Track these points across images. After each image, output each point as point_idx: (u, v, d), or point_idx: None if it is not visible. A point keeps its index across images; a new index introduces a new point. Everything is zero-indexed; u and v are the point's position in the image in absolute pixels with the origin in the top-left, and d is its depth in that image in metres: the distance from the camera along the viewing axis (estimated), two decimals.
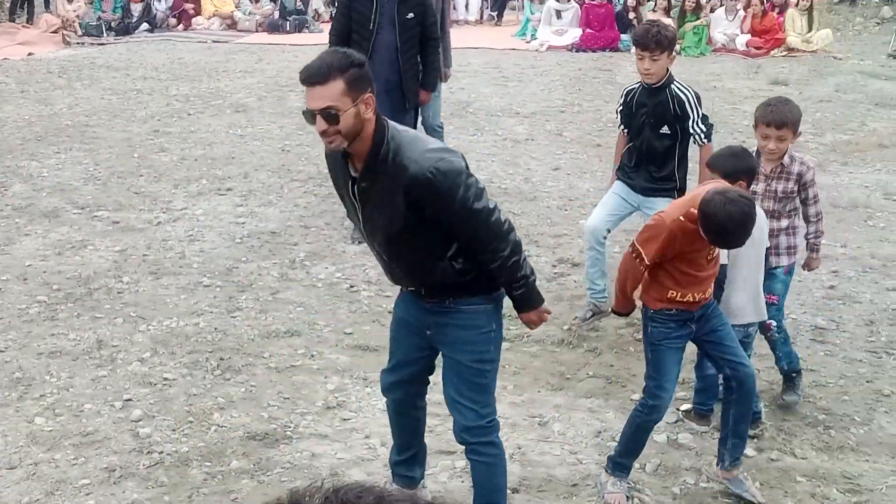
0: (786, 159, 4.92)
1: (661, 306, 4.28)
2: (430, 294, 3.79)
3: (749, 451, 4.69)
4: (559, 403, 5.20)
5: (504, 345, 5.67)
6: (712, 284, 4.34)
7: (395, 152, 3.51)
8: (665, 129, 5.69)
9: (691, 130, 5.67)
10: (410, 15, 7.42)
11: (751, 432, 4.69)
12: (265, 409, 5.12)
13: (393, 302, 6.11)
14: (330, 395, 5.28)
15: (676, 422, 5.02)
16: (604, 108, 12.29)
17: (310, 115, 3.49)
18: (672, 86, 5.66)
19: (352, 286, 6.74)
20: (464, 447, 3.95)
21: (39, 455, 4.67)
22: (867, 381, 5.42)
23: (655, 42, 5.51)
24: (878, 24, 19.26)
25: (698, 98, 5.71)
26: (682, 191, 5.79)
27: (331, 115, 3.43)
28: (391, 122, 3.63)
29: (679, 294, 4.22)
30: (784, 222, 4.98)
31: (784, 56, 16.31)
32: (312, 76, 3.45)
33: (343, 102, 3.43)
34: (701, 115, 5.68)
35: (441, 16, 8.48)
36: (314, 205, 8.43)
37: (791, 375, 5.14)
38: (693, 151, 5.82)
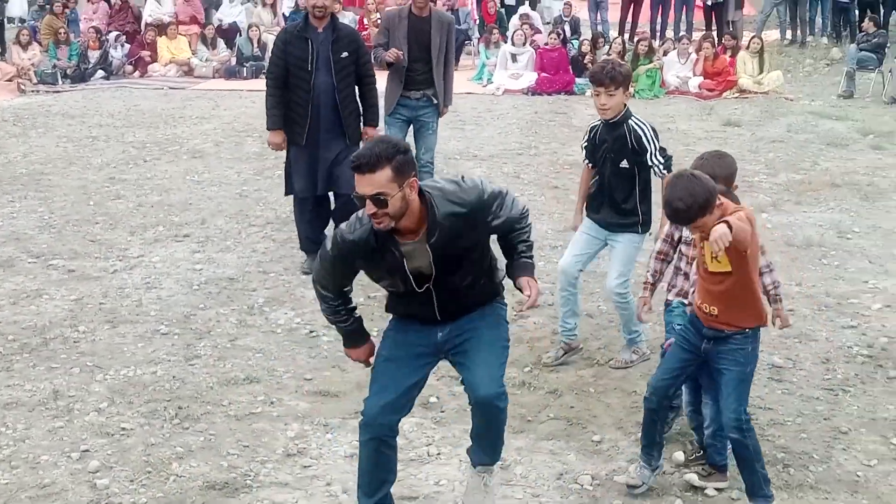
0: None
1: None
2: (467, 310, 4.28)
3: (709, 490, 4.72)
4: (520, 446, 5.19)
5: (462, 387, 5.70)
6: (716, 308, 4.38)
7: (440, 206, 3.95)
8: (625, 164, 5.88)
9: (650, 163, 5.87)
10: (344, 54, 7.51)
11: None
12: (224, 457, 5.07)
13: None
14: (290, 442, 5.24)
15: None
16: (560, 151, 12.40)
17: (360, 200, 3.85)
18: (630, 121, 5.87)
19: (312, 331, 6.71)
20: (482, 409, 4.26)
21: None
22: (824, 419, 5.46)
23: (610, 78, 5.73)
24: (828, 65, 19.60)
25: (655, 131, 5.91)
26: (645, 225, 5.99)
27: (380, 201, 3.80)
28: (424, 185, 4.03)
29: (692, 292, 4.66)
30: None
31: (736, 97, 16.54)
32: (363, 165, 3.80)
33: (391, 188, 3.80)
34: (658, 148, 5.87)
35: (446, 49, 8.75)
36: (272, 250, 8.41)
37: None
38: (656, 184, 5.88)
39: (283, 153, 7.84)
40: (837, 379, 5.96)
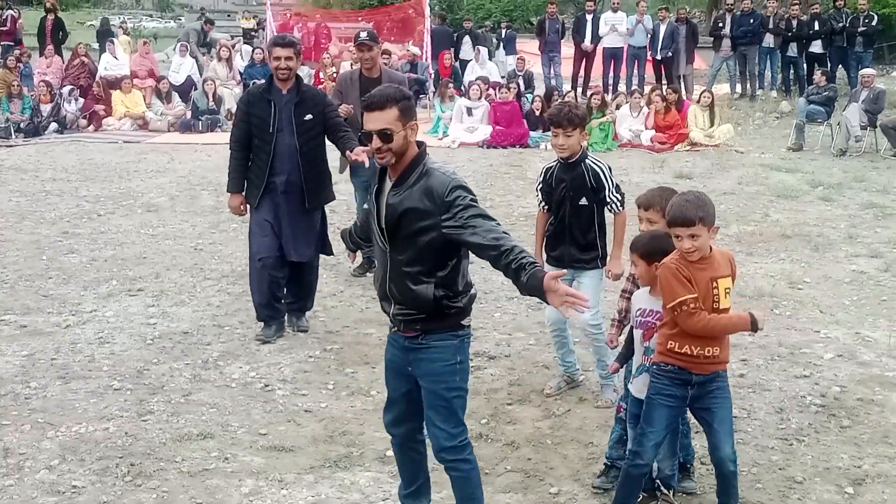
0: None
1: (661, 359, 4.61)
2: (407, 325, 4.40)
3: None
4: None
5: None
6: (725, 347, 4.59)
7: (425, 175, 4.28)
8: (584, 201, 6.15)
9: (608, 200, 6.15)
10: (308, 116, 7.38)
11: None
12: None
13: (310, 400, 6.09)
14: (244, 498, 5.18)
15: None
16: (515, 203, 12.48)
17: (367, 136, 4.29)
18: (587, 160, 6.17)
19: (266, 385, 6.66)
20: (443, 465, 4.54)
21: None
22: (779, 469, 5.50)
23: (567, 120, 6.03)
24: (778, 118, 19.95)
25: (610, 170, 6.23)
26: (604, 258, 6.29)
27: (386, 136, 4.24)
28: (429, 156, 4.40)
29: (677, 345, 4.53)
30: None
31: (688, 150, 16.76)
32: (374, 104, 4.28)
33: (396, 126, 4.25)
34: (615, 185, 6.18)
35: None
36: (227, 303, 8.36)
37: (685, 466, 5.27)
38: (608, 218, 6.29)
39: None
40: (791, 429, 6.01)
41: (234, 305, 8.29)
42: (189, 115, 19.56)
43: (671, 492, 5.08)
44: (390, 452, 5.62)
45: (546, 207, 6.35)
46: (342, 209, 10.91)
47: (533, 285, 3.98)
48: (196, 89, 20.41)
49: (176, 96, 20.60)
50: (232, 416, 6.19)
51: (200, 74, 21.50)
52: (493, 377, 6.81)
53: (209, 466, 5.52)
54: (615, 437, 5.27)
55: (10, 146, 17.61)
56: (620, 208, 6.20)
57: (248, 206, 7.52)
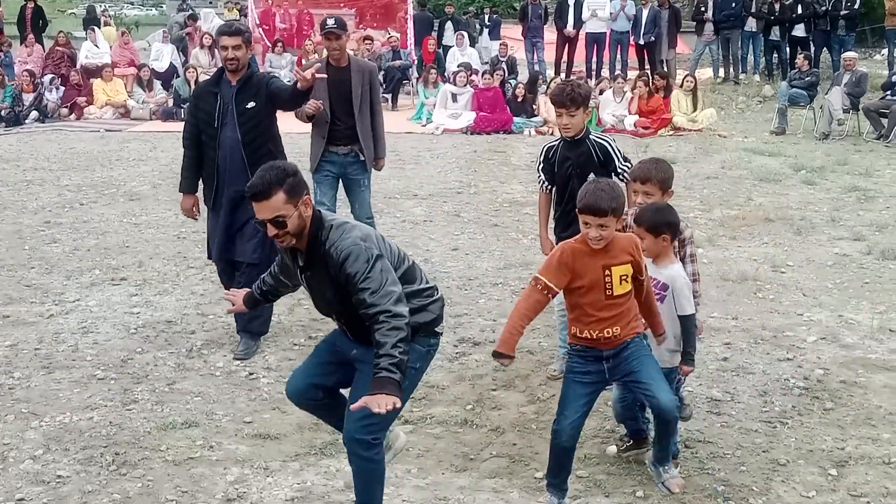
0: None
1: (571, 341, 4.76)
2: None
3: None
4: (463, 485, 5.18)
5: (406, 427, 5.69)
6: (628, 324, 4.66)
7: (328, 241, 4.22)
8: (592, 176, 5.92)
9: (618, 170, 6.13)
10: (251, 104, 6.80)
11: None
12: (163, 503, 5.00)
13: None
14: (230, 486, 5.17)
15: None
16: (499, 189, 12.48)
17: (262, 224, 4.22)
18: (590, 137, 6.19)
19: (251, 374, 6.66)
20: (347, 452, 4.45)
21: None
22: (763, 451, 5.52)
23: (570, 99, 6.00)
24: (760, 102, 19.99)
25: (615, 141, 6.28)
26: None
27: (279, 223, 4.17)
28: (327, 215, 4.35)
29: (577, 330, 4.65)
30: None
31: (671, 135, 16.79)
32: (258, 194, 4.16)
33: (287, 209, 4.16)
34: (622, 155, 6.22)
35: (371, 99, 8.07)
36: (211, 292, 8.34)
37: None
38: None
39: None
40: (775, 411, 6.03)
41: (218, 294, 8.25)
42: (171, 103, 19.47)
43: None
44: None
45: (549, 188, 6.36)
46: None
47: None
48: (178, 77, 20.32)
49: (158, 84, 20.51)
50: (217, 405, 6.17)
51: (182, 63, 21.39)
52: (477, 363, 6.81)
53: (194, 455, 5.51)
54: (617, 398, 5.36)
55: None
56: (629, 177, 5.97)
57: (202, 207, 7.17)
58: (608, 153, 6.15)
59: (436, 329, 4.54)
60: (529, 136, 17.04)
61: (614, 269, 4.55)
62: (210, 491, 5.13)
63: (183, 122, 7.32)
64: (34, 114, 18.80)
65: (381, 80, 20.94)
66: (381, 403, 3.94)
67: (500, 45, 21.89)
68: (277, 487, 5.14)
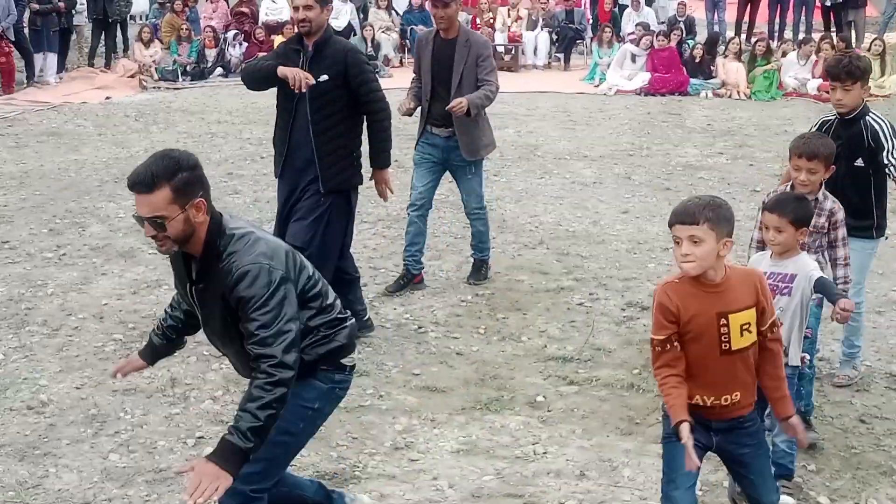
0: (819, 195, 4.96)
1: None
2: None
3: (822, 499, 4.63)
4: (629, 448, 5.16)
5: (572, 388, 5.72)
6: (743, 393, 3.74)
7: (226, 253, 3.57)
8: (859, 162, 5.52)
9: (885, 161, 5.47)
10: (323, 77, 6.08)
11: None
12: (334, 448, 5.16)
13: (461, 343, 6.15)
14: (398, 435, 5.30)
15: None
16: (672, 152, 12.26)
17: (139, 220, 3.55)
18: (867, 117, 5.55)
19: (420, 327, 6.78)
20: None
21: (113, 491, 4.75)
22: None
23: (847, 73, 5.42)
24: None
25: (894, 129, 5.52)
26: (880, 229, 5.67)
27: (157, 224, 3.49)
28: (230, 222, 3.67)
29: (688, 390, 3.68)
30: (814, 257, 4.91)
31: None
32: (137, 185, 3.48)
33: (170, 210, 3.47)
34: (895, 147, 5.48)
35: (477, 80, 7.10)
36: (383, 246, 8.50)
37: (805, 419, 4.98)
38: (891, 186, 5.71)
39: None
40: None
41: (390, 248, 8.42)
42: None
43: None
44: (541, 398, 5.70)
45: None
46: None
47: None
48: (355, 35, 20.64)
49: None
50: (386, 356, 6.32)
51: (360, 21, 21.69)
52: (645, 328, 6.74)
53: (364, 403, 5.66)
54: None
55: (177, 89, 18.20)
56: None
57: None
58: (879, 139, 5.44)
59: (342, 361, 3.95)
60: (706, 99, 16.66)
61: (732, 317, 3.63)
62: (379, 439, 5.26)
63: None
64: (218, 69, 19.42)
65: (553, 39, 20.88)
66: (201, 489, 3.36)
67: (679, 3, 21.38)
68: (444, 439, 5.23)
